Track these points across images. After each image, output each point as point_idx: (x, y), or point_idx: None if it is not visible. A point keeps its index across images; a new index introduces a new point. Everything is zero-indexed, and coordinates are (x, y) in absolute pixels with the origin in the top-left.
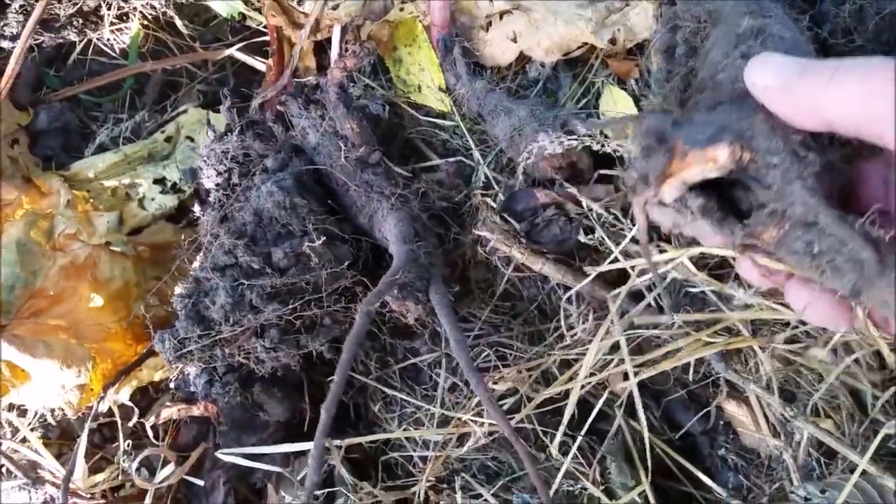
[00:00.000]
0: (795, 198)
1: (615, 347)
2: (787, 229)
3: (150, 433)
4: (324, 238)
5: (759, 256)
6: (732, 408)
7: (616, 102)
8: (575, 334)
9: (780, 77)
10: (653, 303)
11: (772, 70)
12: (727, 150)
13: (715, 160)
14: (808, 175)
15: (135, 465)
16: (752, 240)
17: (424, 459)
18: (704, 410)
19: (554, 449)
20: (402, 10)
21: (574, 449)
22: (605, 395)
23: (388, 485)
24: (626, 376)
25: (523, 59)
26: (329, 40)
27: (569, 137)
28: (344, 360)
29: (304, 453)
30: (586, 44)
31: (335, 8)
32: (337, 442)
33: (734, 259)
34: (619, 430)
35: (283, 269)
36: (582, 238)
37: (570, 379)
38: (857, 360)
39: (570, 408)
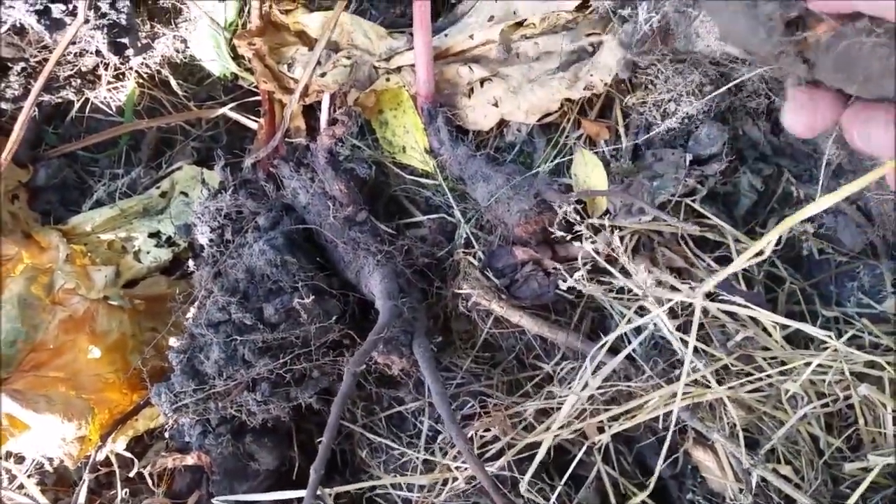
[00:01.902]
0: None
1: (591, 398)
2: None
3: (149, 479)
4: (313, 295)
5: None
6: (699, 454)
7: (587, 165)
8: (552, 384)
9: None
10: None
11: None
12: None
13: None
14: None
15: None
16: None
17: (408, 503)
18: (673, 457)
19: (523, 488)
20: (387, 80)
21: (554, 497)
22: (585, 445)
23: None
24: (600, 429)
25: (502, 124)
26: (318, 103)
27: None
28: (332, 421)
29: (293, 501)
30: (562, 107)
31: (323, 75)
32: (328, 490)
33: None
34: (595, 479)
35: (275, 325)
36: (559, 291)
37: (548, 428)
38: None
39: (540, 454)
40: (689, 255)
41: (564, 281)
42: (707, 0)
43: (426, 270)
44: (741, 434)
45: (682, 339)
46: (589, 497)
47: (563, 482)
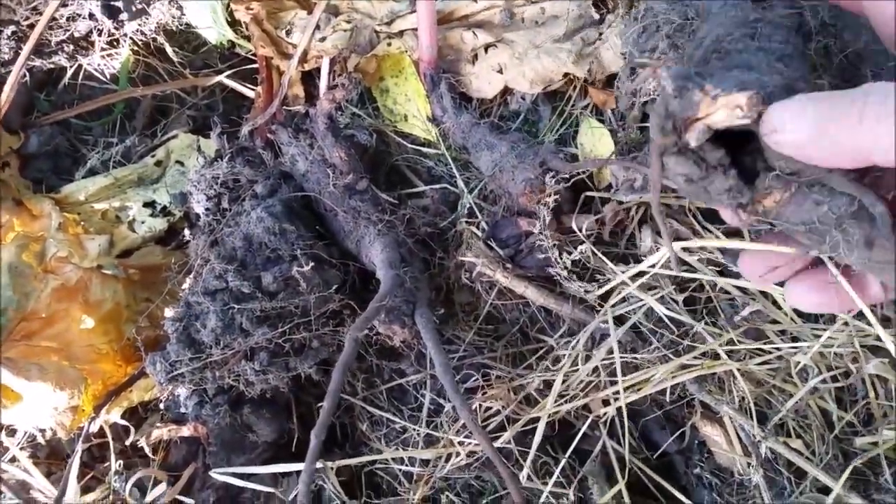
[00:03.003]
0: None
1: (596, 370)
2: (794, 190)
3: (148, 451)
4: (312, 263)
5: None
6: (707, 428)
7: (594, 134)
8: (556, 357)
9: (802, 131)
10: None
11: (791, 125)
12: (754, 98)
13: (741, 107)
14: None
15: (129, 484)
16: (758, 206)
17: (410, 477)
18: (680, 431)
19: (527, 468)
20: (389, 45)
21: (558, 471)
22: (589, 419)
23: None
24: (605, 402)
25: (506, 91)
26: (317, 70)
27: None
28: (334, 386)
29: (292, 473)
30: (567, 75)
31: (322, 40)
32: (329, 463)
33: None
34: (599, 453)
35: (273, 294)
36: (563, 264)
37: (542, 408)
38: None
39: (540, 427)
40: (697, 226)
41: (570, 254)
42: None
43: (428, 241)
44: (753, 407)
45: (689, 312)
46: (594, 471)
47: (566, 456)
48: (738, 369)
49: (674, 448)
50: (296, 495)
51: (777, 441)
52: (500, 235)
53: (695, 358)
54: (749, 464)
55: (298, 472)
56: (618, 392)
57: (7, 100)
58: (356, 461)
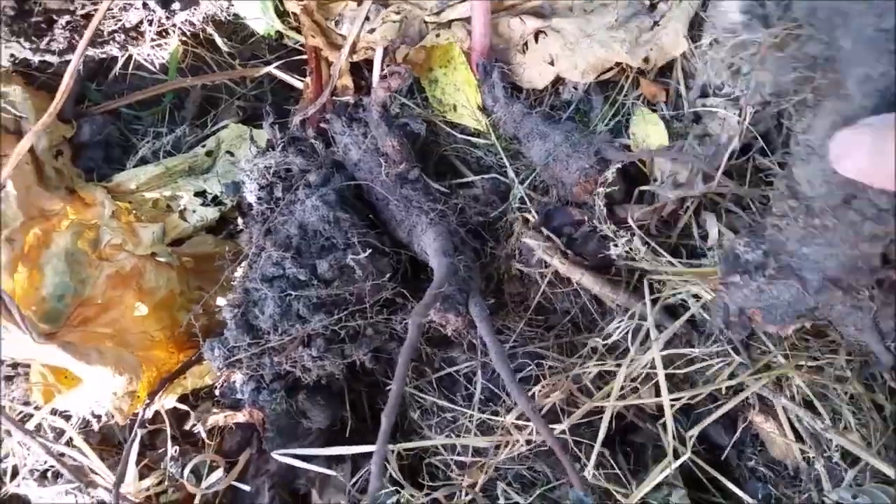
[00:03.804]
0: None
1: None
2: None
3: (204, 437)
4: (367, 251)
5: None
6: (760, 420)
7: (647, 124)
8: (611, 346)
9: (862, 159)
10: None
11: (855, 151)
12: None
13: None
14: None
15: (187, 470)
16: None
17: (462, 466)
18: (739, 429)
19: (591, 464)
20: (438, 35)
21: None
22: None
23: (428, 492)
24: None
25: (556, 81)
26: (365, 61)
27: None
28: (400, 369)
29: (347, 458)
30: (619, 64)
31: (372, 31)
32: (391, 446)
33: None
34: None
35: (329, 281)
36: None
37: (608, 395)
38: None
39: (605, 419)
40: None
41: (627, 242)
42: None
43: (479, 230)
44: (816, 402)
45: None
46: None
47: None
48: (796, 367)
49: (727, 441)
50: (353, 480)
51: (838, 431)
52: (553, 224)
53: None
54: (805, 456)
55: (353, 457)
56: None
57: (66, 90)
58: (420, 444)
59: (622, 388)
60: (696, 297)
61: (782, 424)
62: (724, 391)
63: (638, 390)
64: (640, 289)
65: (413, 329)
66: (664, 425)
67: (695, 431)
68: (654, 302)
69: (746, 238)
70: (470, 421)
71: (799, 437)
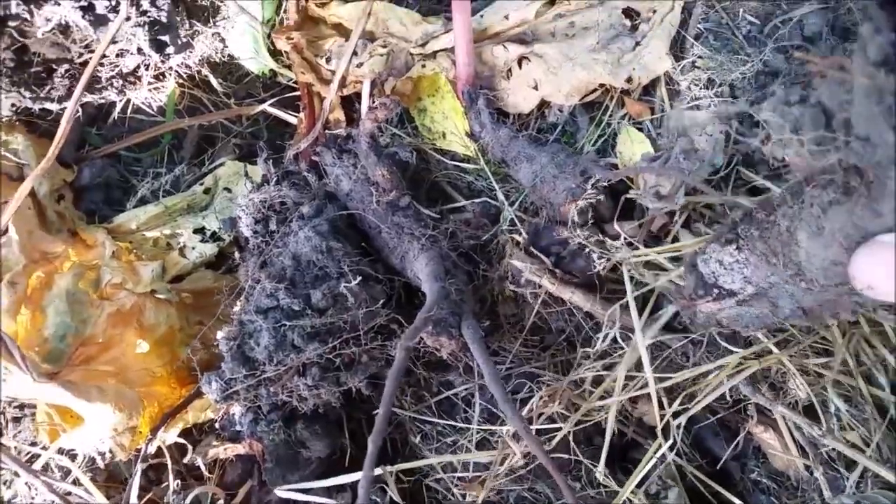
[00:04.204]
0: None
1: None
2: None
3: (204, 469)
4: (359, 279)
5: None
6: (761, 432)
7: (633, 142)
8: (602, 356)
9: (890, 277)
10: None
11: (880, 271)
12: None
13: None
14: None
15: (187, 502)
16: None
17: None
18: (737, 440)
19: (600, 474)
20: (423, 66)
21: (635, 481)
22: (652, 439)
23: None
24: (660, 404)
25: (542, 105)
26: (356, 94)
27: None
28: (387, 394)
29: (346, 487)
30: (602, 86)
31: (360, 65)
32: (388, 468)
33: None
34: (668, 460)
35: (322, 310)
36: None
37: (602, 397)
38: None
39: (610, 421)
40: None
41: (609, 260)
42: None
43: (471, 253)
44: (814, 400)
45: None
46: (668, 473)
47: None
48: (790, 359)
49: (728, 454)
50: None
51: (836, 438)
52: (540, 243)
53: (746, 358)
54: (806, 465)
55: (354, 486)
56: (674, 398)
57: (63, 135)
58: (416, 464)
59: (620, 402)
60: None
61: (782, 435)
62: (723, 402)
63: (637, 401)
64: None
65: (401, 353)
66: (665, 435)
67: (682, 416)
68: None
69: (724, 260)
70: (469, 441)
71: (799, 447)
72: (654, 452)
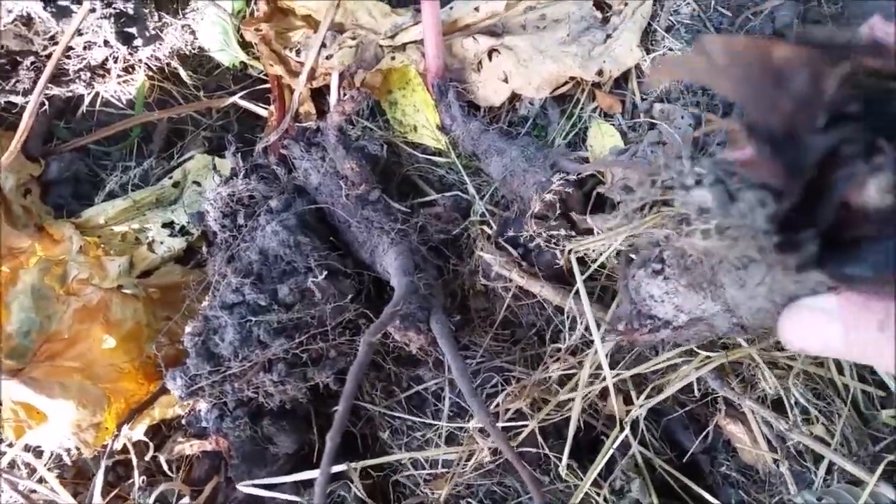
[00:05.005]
0: None
1: (614, 366)
2: None
3: (166, 468)
4: (326, 273)
5: None
6: (730, 426)
7: (603, 136)
8: (574, 352)
9: (820, 341)
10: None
11: (809, 336)
12: None
13: None
14: None
15: (151, 499)
16: None
17: (430, 481)
18: (705, 432)
19: (563, 469)
20: (393, 58)
21: (595, 471)
22: (619, 427)
23: None
24: (627, 401)
25: (513, 98)
26: (327, 87)
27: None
28: (348, 390)
29: (312, 484)
30: (574, 79)
31: (329, 57)
32: (352, 464)
33: None
34: (631, 452)
35: (289, 305)
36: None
37: (571, 390)
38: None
39: (574, 415)
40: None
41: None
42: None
43: (441, 248)
44: (783, 395)
45: None
46: (629, 466)
47: (596, 466)
48: (760, 353)
49: (698, 448)
50: None
51: (802, 432)
52: (511, 235)
53: (711, 349)
54: (775, 459)
55: None
56: (642, 391)
57: (26, 128)
58: (381, 460)
59: (587, 395)
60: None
61: (751, 428)
62: (691, 395)
63: (606, 395)
64: (603, 297)
65: (364, 348)
66: (633, 428)
67: (643, 408)
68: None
69: (655, 294)
70: (438, 435)
71: (767, 440)
72: (613, 442)
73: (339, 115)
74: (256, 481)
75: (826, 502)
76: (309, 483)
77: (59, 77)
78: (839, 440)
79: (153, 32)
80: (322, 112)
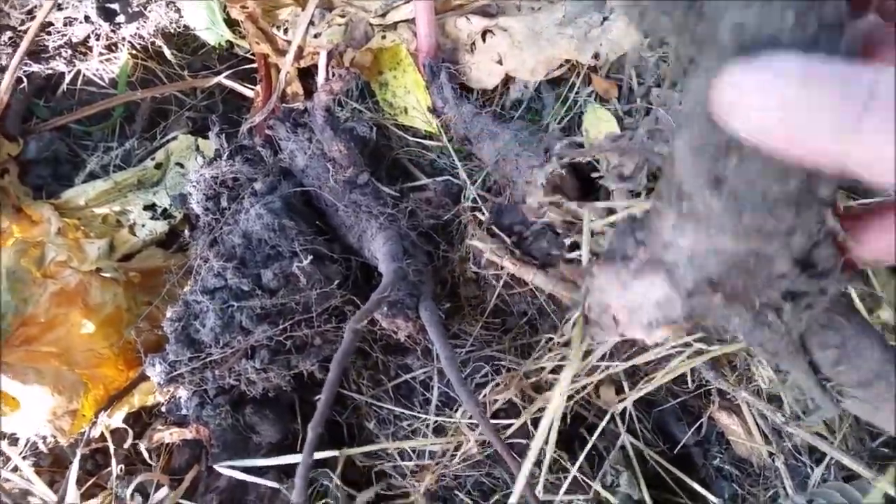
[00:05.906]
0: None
1: (604, 358)
2: None
3: (146, 456)
4: (312, 258)
5: None
6: (724, 418)
7: (599, 120)
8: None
9: (773, 114)
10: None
11: (760, 100)
12: None
13: None
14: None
15: (129, 489)
16: None
17: (417, 472)
18: (698, 423)
19: (545, 464)
20: (383, 37)
21: (581, 459)
22: (608, 415)
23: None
24: (619, 392)
25: (507, 80)
26: (315, 66)
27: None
28: (331, 378)
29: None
30: (569, 61)
31: (317, 36)
32: (336, 452)
33: None
34: (622, 444)
35: (273, 290)
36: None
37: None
38: None
39: (548, 415)
40: None
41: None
42: None
43: (432, 233)
44: (780, 388)
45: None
46: (620, 462)
47: (583, 454)
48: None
49: (691, 440)
50: None
51: (798, 427)
52: (503, 222)
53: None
54: (770, 453)
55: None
56: (634, 383)
57: (3, 105)
58: (366, 449)
59: (580, 388)
60: None
61: (745, 421)
62: (684, 386)
63: (598, 387)
64: None
65: (349, 335)
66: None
67: (628, 403)
68: None
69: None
70: (425, 426)
71: (762, 433)
72: (597, 430)
73: (327, 95)
74: (235, 462)
75: None
76: (293, 469)
77: (38, 53)
78: (840, 439)
79: (136, 9)
80: (310, 92)
